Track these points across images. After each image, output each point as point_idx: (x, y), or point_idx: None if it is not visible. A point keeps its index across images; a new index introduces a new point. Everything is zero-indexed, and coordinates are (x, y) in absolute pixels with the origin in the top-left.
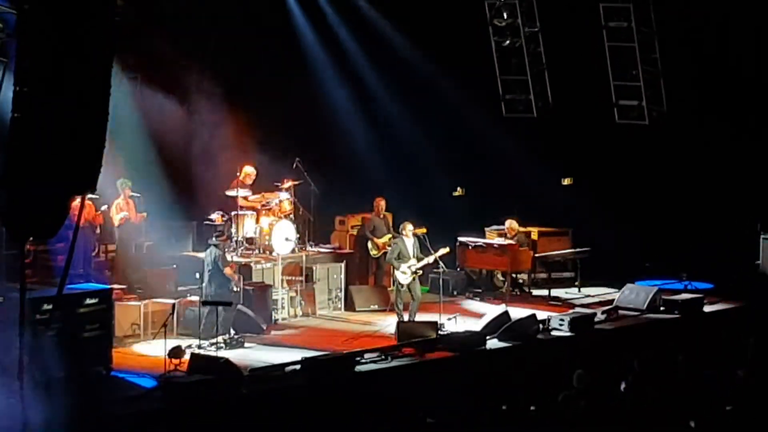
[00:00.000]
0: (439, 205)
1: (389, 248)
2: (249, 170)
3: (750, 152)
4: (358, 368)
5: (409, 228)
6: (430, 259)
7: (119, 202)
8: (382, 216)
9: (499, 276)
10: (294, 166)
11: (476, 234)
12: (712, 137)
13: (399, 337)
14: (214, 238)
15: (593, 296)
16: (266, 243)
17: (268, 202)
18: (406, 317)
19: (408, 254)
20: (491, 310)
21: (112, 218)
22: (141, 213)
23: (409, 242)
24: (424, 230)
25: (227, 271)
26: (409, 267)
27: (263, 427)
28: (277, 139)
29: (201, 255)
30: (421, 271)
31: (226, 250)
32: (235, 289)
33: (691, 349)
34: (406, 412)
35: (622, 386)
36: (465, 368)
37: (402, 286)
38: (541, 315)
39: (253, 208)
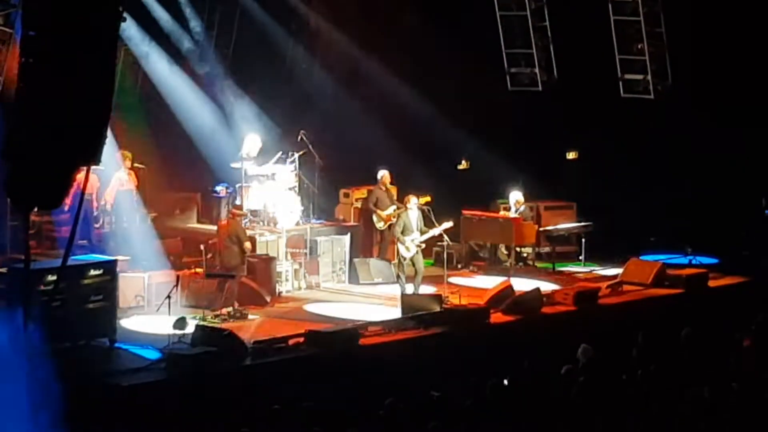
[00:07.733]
0: (444, 178)
1: (394, 220)
2: (254, 142)
3: (755, 127)
4: (362, 341)
5: (413, 201)
6: (435, 231)
7: (120, 174)
8: (385, 189)
9: (503, 250)
10: (299, 138)
11: (481, 207)
12: (718, 111)
13: (403, 310)
14: (230, 212)
15: (598, 270)
16: (270, 215)
17: (272, 174)
18: (409, 290)
19: (411, 227)
20: (495, 284)
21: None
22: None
23: (413, 215)
24: (428, 198)
25: (247, 245)
26: (412, 240)
27: (267, 399)
28: (281, 111)
29: (206, 227)
30: (424, 245)
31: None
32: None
33: (695, 324)
34: (409, 386)
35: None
36: (468, 342)
37: (405, 259)
38: (546, 289)
39: (257, 180)
